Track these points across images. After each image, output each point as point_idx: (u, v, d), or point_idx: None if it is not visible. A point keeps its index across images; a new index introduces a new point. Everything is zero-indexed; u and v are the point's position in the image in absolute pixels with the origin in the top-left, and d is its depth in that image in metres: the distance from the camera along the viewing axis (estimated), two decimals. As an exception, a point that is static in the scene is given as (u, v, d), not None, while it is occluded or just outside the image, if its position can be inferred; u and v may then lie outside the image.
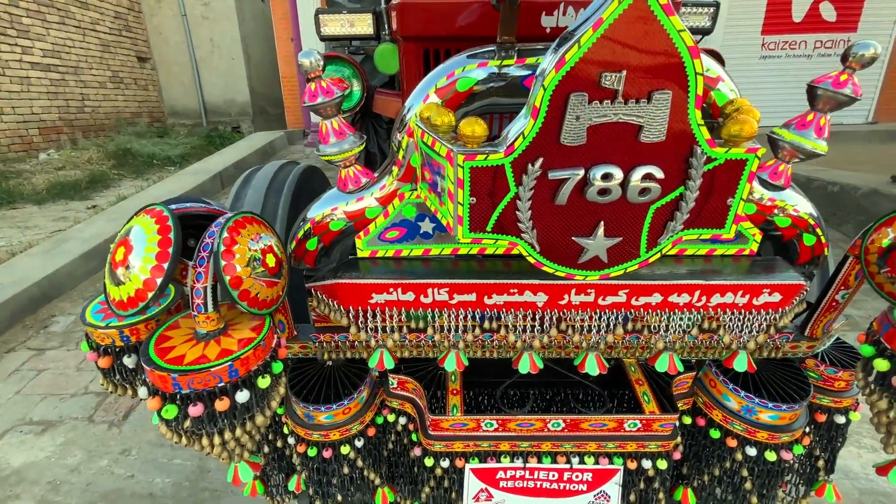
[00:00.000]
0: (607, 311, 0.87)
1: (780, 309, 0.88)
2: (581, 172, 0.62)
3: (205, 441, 0.75)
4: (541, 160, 0.61)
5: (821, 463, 1.15)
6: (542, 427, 0.99)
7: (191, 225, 0.88)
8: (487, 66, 0.76)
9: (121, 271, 0.71)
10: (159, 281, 0.68)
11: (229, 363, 0.71)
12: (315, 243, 0.91)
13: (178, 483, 1.79)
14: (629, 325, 0.90)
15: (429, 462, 1.04)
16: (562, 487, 1.03)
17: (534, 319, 0.89)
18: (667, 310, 0.87)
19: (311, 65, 0.76)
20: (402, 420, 1.12)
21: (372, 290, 0.87)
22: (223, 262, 0.71)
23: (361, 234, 0.91)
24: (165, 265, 0.69)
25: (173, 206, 0.85)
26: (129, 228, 0.73)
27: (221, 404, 0.71)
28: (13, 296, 3.01)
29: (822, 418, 1.10)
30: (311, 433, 1.03)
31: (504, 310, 0.88)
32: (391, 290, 0.87)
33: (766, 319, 0.89)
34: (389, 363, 0.94)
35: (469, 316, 0.90)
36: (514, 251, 0.72)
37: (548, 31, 1.05)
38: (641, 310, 0.87)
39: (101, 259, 3.69)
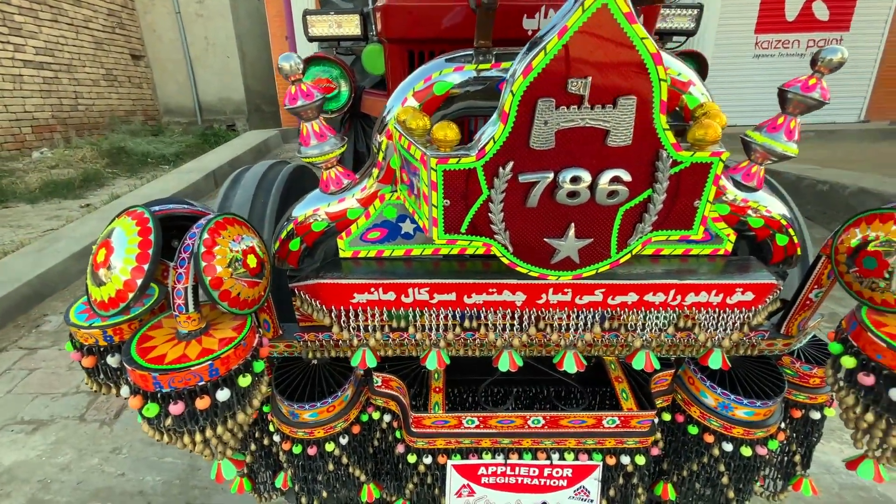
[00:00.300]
0: (584, 310, 0.89)
1: (753, 307, 0.89)
2: (550, 176, 0.63)
3: (186, 439, 0.76)
4: (511, 164, 0.63)
5: (797, 458, 1.17)
6: (522, 424, 1.01)
7: (175, 226, 0.89)
8: (464, 70, 0.78)
9: (102, 272, 0.72)
10: (139, 282, 0.69)
11: (209, 362, 0.73)
12: (298, 244, 0.92)
13: (169, 481, 1.80)
14: (606, 324, 0.92)
15: (412, 459, 1.06)
16: (542, 483, 1.05)
17: (513, 318, 0.90)
18: (643, 309, 0.88)
19: (290, 68, 0.77)
20: (387, 418, 1.13)
21: (353, 290, 0.88)
22: (203, 264, 0.72)
23: (343, 234, 0.92)
24: (145, 266, 0.70)
25: (157, 208, 0.86)
26: (110, 230, 0.74)
27: (202, 402, 0.72)
28: (5, 295, 3.01)
29: (797, 414, 1.12)
30: (296, 431, 1.04)
31: (484, 309, 0.89)
32: (372, 289, 0.88)
33: (739, 318, 0.91)
34: (372, 362, 0.95)
35: (450, 315, 0.91)
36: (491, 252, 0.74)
37: (529, 33, 1.06)
38: (618, 309, 0.88)
39: (94, 258, 3.69)
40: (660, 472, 1.22)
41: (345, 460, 1.11)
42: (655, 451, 1.08)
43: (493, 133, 0.62)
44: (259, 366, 0.81)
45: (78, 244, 3.68)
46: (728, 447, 1.04)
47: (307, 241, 0.92)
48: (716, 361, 0.94)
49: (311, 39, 1.57)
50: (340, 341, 1.00)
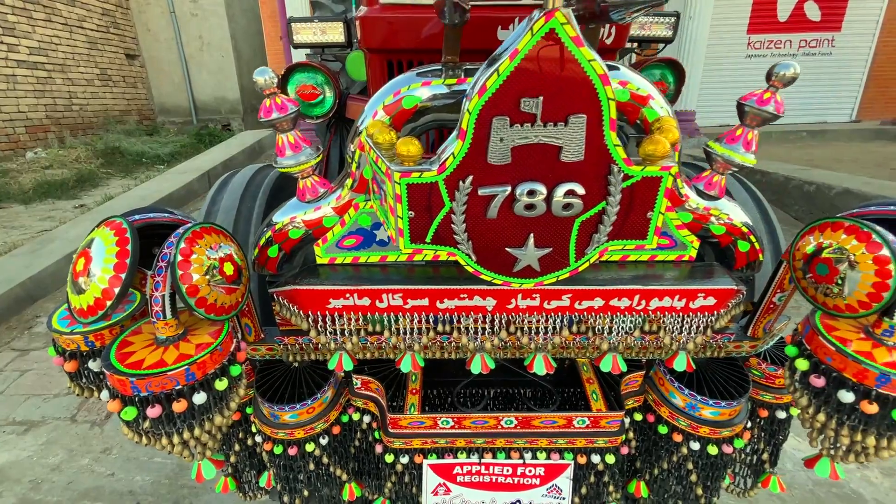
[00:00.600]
0: (553, 314, 0.92)
1: (715, 312, 0.93)
2: (508, 189, 0.66)
3: (164, 440, 0.79)
4: (471, 178, 0.66)
5: (765, 456, 1.21)
6: (495, 424, 1.04)
7: (156, 234, 0.92)
8: (431, 84, 0.81)
9: (82, 280, 0.75)
10: (117, 290, 0.72)
11: (186, 367, 0.75)
12: (276, 250, 0.95)
13: (158, 481, 1.83)
14: (574, 328, 0.95)
15: (389, 458, 1.09)
16: (516, 482, 1.08)
17: (485, 322, 0.93)
18: (609, 313, 0.91)
19: (265, 82, 0.80)
20: (367, 419, 1.16)
21: (329, 296, 0.91)
22: (180, 272, 0.75)
23: (320, 241, 0.95)
24: (123, 275, 0.73)
25: (137, 217, 0.89)
26: (90, 240, 0.77)
27: (178, 406, 0.75)
28: (-3, 297, 3.03)
29: (764, 413, 1.15)
30: (277, 432, 1.07)
31: (456, 313, 0.92)
32: (348, 295, 0.91)
33: (702, 321, 0.94)
34: (348, 365, 0.98)
35: (424, 319, 0.94)
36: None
37: None
38: (585, 313, 0.92)
39: (87, 259, 3.70)
40: (634, 470, 1.25)
41: (325, 460, 1.14)
42: (625, 451, 1.11)
43: (452, 149, 0.65)
44: (236, 370, 0.84)
45: (71, 245, 3.69)
46: (695, 446, 1.07)
47: (285, 248, 0.95)
48: (680, 364, 0.97)
49: (296, 46, 1.60)
50: (319, 345, 1.03)
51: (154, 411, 0.74)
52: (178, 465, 1.90)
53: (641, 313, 0.92)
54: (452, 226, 0.70)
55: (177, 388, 0.75)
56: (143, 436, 0.79)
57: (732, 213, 0.93)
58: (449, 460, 1.07)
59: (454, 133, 0.66)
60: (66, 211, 5.25)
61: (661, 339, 0.97)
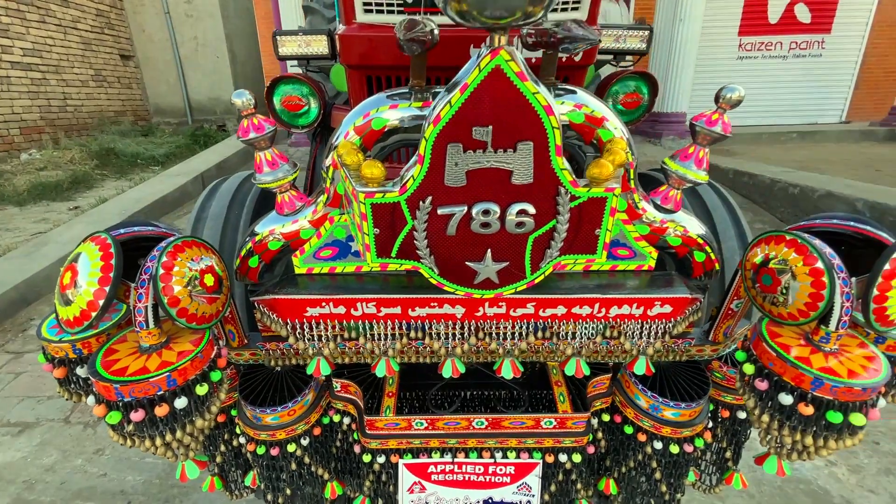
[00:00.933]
0: (519, 321, 0.97)
1: (672, 319, 0.98)
2: (465, 209, 0.72)
3: (148, 443, 0.84)
4: (430, 198, 0.71)
5: (728, 454, 1.27)
6: (467, 425, 1.09)
7: (142, 246, 0.97)
8: (398, 108, 0.85)
9: (69, 293, 0.80)
10: (101, 303, 0.77)
11: (167, 374, 0.80)
12: (257, 261, 1.00)
13: (149, 481, 1.88)
14: (539, 334, 1.00)
15: (367, 458, 1.14)
16: (487, 480, 1.14)
17: (455, 329, 0.99)
18: (571, 320, 0.97)
19: (242, 104, 0.85)
20: (347, 420, 1.21)
21: (307, 305, 0.96)
22: (161, 285, 0.80)
23: (298, 252, 1.00)
24: (107, 288, 0.77)
25: (123, 230, 0.94)
26: (76, 255, 0.81)
27: (160, 410, 0.80)
28: (-8, 300, 3.07)
29: (726, 414, 1.21)
30: (260, 433, 1.12)
31: (428, 321, 0.97)
32: (324, 304, 0.96)
33: (660, 328, 1.00)
34: (326, 370, 1.03)
35: (397, 326, 0.99)
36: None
37: None
38: (549, 320, 0.97)
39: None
40: (604, 468, 1.31)
41: (307, 460, 1.19)
42: (591, 450, 1.17)
43: (413, 172, 0.70)
44: (216, 375, 0.89)
45: (64, 249, 3.73)
46: (658, 445, 1.13)
47: (265, 259, 0.99)
48: (640, 367, 1.02)
49: (281, 58, 1.65)
50: (299, 350, 1.08)
51: (137, 415, 0.79)
52: (168, 466, 1.95)
53: (602, 320, 0.98)
54: (415, 242, 0.76)
55: (159, 393, 0.80)
56: (127, 438, 0.83)
57: (689, 225, 0.98)
58: (423, 460, 1.13)
59: (414, 157, 0.71)
60: (61, 213, 5.27)
61: (622, 344, 1.02)
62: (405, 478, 1.14)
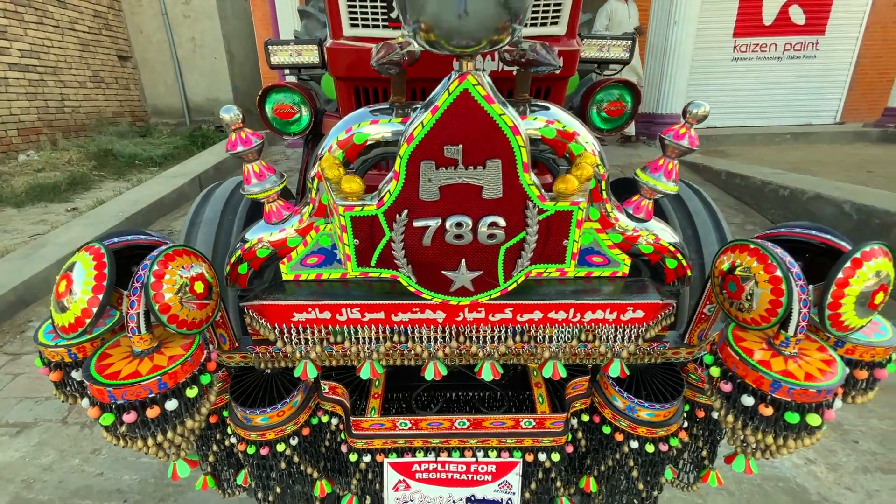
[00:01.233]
0: (498, 325, 1.01)
1: (644, 323, 1.02)
2: (439, 221, 0.76)
3: (140, 443, 0.88)
4: (406, 211, 0.75)
5: (704, 453, 1.31)
6: (449, 426, 1.13)
7: (136, 254, 1.00)
8: (379, 123, 0.89)
9: (64, 300, 0.84)
10: (95, 310, 0.81)
11: (158, 377, 0.84)
12: (246, 268, 1.04)
13: (145, 480, 1.92)
14: (517, 338, 1.04)
15: (353, 457, 1.19)
16: (470, 478, 1.18)
17: (437, 333, 1.03)
18: (548, 324, 1.01)
19: (231, 119, 0.89)
20: (335, 421, 1.25)
21: (294, 310, 1.00)
22: (152, 292, 0.84)
23: (285, 260, 1.04)
24: (100, 296, 0.81)
25: (117, 239, 0.98)
26: (71, 264, 0.85)
27: (152, 412, 0.84)
28: (-10, 302, 3.10)
29: (701, 414, 1.25)
30: (250, 434, 1.16)
31: (410, 325, 1.02)
32: (310, 309, 1.00)
33: (634, 332, 1.04)
34: (312, 373, 1.07)
35: (381, 330, 1.03)
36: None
37: None
38: (527, 324, 1.01)
39: (79, 263, 3.78)
40: (585, 467, 1.35)
41: (296, 459, 1.23)
42: (570, 449, 1.21)
43: (389, 187, 0.74)
44: (205, 378, 0.93)
45: (62, 251, 3.76)
46: (634, 444, 1.17)
47: (254, 266, 1.03)
48: (614, 370, 1.06)
49: (273, 67, 1.68)
50: (287, 354, 1.12)
51: (129, 417, 0.83)
52: (164, 465, 1.99)
53: (578, 325, 1.02)
54: (393, 252, 0.80)
55: (150, 396, 0.84)
56: (120, 439, 0.87)
57: (660, 233, 1.02)
58: (407, 459, 1.17)
59: (391, 173, 0.75)
60: (59, 214, 5.30)
61: (597, 347, 1.07)
62: (390, 476, 1.18)
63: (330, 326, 1.03)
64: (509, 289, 0.85)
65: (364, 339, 1.04)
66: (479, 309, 0.98)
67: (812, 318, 0.87)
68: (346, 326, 1.03)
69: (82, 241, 4.16)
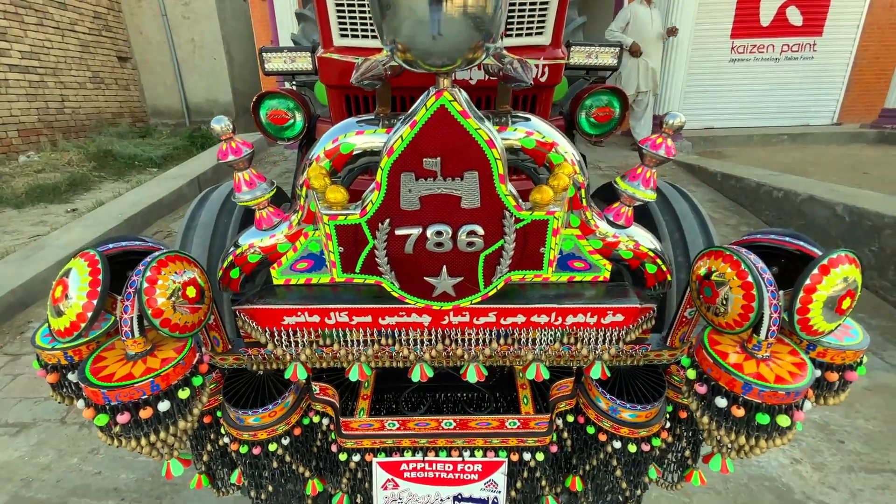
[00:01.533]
0: (482, 328, 1.04)
1: (625, 327, 1.05)
2: (420, 230, 0.79)
3: (134, 443, 0.91)
4: (388, 220, 0.78)
5: (688, 453, 1.34)
6: (436, 426, 1.16)
7: (131, 259, 1.04)
8: (365, 134, 0.92)
9: (60, 305, 0.87)
10: (90, 314, 0.84)
11: (151, 379, 0.87)
12: (238, 272, 1.06)
13: (142, 479, 1.95)
14: (502, 340, 1.07)
15: (343, 457, 1.21)
16: (456, 477, 1.21)
17: (423, 336, 1.06)
18: (531, 328, 1.04)
19: (221, 129, 0.92)
20: (326, 421, 1.28)
21: (283, 314, 1.03)
22: (145, 297, 0.87)
23: (276, 265, 1.07)
24: (95, 301, 0.84)
25: (112, 245, 1.01)
26: (67, 270, 0.88)
27: (144, 413, 0.87)
28: (-10, 303, 3.13)
29: (684, 415, 1.28)
30: (242, 434, 1.19)
31: (397, 329, 1.05)
32: (299, 313, 1.03)
33: (614, 335, 1.07)
34: (302, 374, 1.10)
35: (369, 333, 1.06)
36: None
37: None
38: (510, 328, 1.04)
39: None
40: (571, 466, 1.38)
41: (288, 459, 1.26)
42: (554, 449, 1.24)
43: (371, 197, 0.77)
44: (197, 380, 0.96)
45: (61, 252, 3.79)
46: (617, 444, 1.20)
47: (245, 271, 1.06)
48: (596, 372, 1.09)
49: (268, 73, 1.72)
50: (278, 356, 1.15)
51: (123, 418, 0.86)
52: (160, 464, 2.02)
53: (560, 328, 1.05)
54: (376, 259, 0.83)
55: (143, 397, 0.87)
56: (114, 439, 0.91)
57: (641, 239, 1.05)
58: (396, 458, 1.20)
59: (373, 183, 0.78)
60: (59, 215, 5.33)
61: (579, 350, 1.10)
62: (379, 475, 1.21)
63: (319, 329, 1.06)
64: (489, 294, 0.88)
65: (352, 341, 1.07)
66: (464, 313, 1.01)
67: (784, 321, 0.90)
68: (334, 330, 1.06)
69: (82, 243, 4.20)
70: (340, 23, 1.22)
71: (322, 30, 1.25)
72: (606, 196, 1.84)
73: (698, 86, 8.10)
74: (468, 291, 0.88)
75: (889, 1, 8.05)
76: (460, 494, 1.23)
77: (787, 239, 1.01)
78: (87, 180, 6.85)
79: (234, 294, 1.10)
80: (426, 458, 1.19)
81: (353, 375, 1.09)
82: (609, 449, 1.22)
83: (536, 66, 1.29)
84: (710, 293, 0.96)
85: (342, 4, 1.23)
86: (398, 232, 0.79)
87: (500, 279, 0.86)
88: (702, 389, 0.93)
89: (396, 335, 1.06)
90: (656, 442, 1.21)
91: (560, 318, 1.02)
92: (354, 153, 0.95)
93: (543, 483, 1.25)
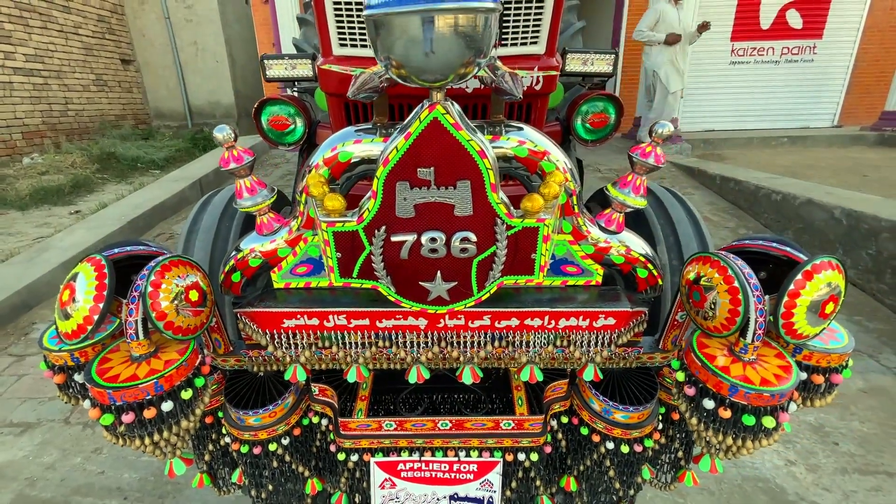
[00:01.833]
0: (477, 331, 1.07)
1: (616, 330, 1.08)
2: (415, 236, 0.81)
3: (138, 442, 0.94)
4: (384, 227, 0.81)
5: (680, 454, 1.36)
6: (432, 427, 1.19)
7: (135, 263, 1.07)
8: (362, 143, 0.95)
9: (68, 308, 0.90)
10: (96, 318, 0.87)
11: (155, 380, 0.90)
12: (239, 276, 1.09)
13: (145, 478, 1.98)
14: (496, 343, 1.10)
15: (341, 457, 1.24)
16: (452, 477, 1.23)
17: (419, 338, 1.08)
18: (525, 331, 1.07)
19: (223, 137, 0.95)
20: (325, 422, 1.31)
21: (283, 317, 1.06)
22: (150, 301, 0.90)
23: (276, 269, 1.10)
24: (101, 305, 0.87)
25: (117, 250, 1.04)
26: (74, 274, 0.91)
27: (149, 413, 0.90)
28: (-5, 304, 3.17)
29: (676, 417, 1.30)
30: (243, 434, 1.22)
31: (394, 331, 1.07)
32: (299, 316, 1.06)
33: (606, 338, 1.09)
34: (302, 376, 1.13)
35: (367, 336, 1.09)
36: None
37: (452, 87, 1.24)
38: (504, 331, 1.07)
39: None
40: (566, 467, 1.40)
41: (288, 458, 1.29)
42: (548, 450, 1.26)
43: (368, 205, 0.80)
44: (200, 381, 0.99)
45: (65, 254, 3.83)
46: (610, 445, 1.22)
47: (246, 275, 1.09)
48: (588, 374, 1.12)
49: (269, 80, 1.75)
50: (278, 358, 1.17)
51: (128, 418, 0.89)
52: (163, 464, 2.05)
53: (553, 331, 1.08)
54: (373, 264, 0.86)
55: (147, 397, 0.90)
56: (119, 438, 0.93)
57: (632, 244, 1.07)
58: (393, 458, 1.22)
59: (369, 192, 0.81)
60: (62, 217, 5.38)
61: (572, 352, 1.12)
62: (377, 475, 1.23)
63: (318, 332, 1.09)
64: (483, 298, 0.91)
65: (351, 344, 1.10)
66: (459, 316, 1.03)
67: (770, 325, 0.92)
68: (333, 332, 1.08)
69: (85, 245, 4.24)
70: (339, 33, 1.25)
71: (322, 39, 1.28)
72: (604, 200, 1.87)
73: (698, 88, 8.12)
74: (462, 296, 0.90)
75: (889, 3, 8.06)
76: (456, 494, 1.25)
77: (774, 244, 1.04)
78: (91, 182, 6.90)
79: (236, 297, 1.13)
80: (423, 458, 1.22)
81: (352, 377, 1.12)
82: (602, 450, 1.25)
83: (531, 75, 1.32)
84: (698, 297, 0.98)
85: (341, 15, 1.26)
86: (394, 238, 0.82)
87: (493, 284, 0.89)
88: (690, 391, 0.96)
89: (393, 338, 1.09)
90: (649, 443, 1.24)
91: (553, 322, 1.05)
92: (352, 161, 0.98)
93: (538, 483, 1.27)
